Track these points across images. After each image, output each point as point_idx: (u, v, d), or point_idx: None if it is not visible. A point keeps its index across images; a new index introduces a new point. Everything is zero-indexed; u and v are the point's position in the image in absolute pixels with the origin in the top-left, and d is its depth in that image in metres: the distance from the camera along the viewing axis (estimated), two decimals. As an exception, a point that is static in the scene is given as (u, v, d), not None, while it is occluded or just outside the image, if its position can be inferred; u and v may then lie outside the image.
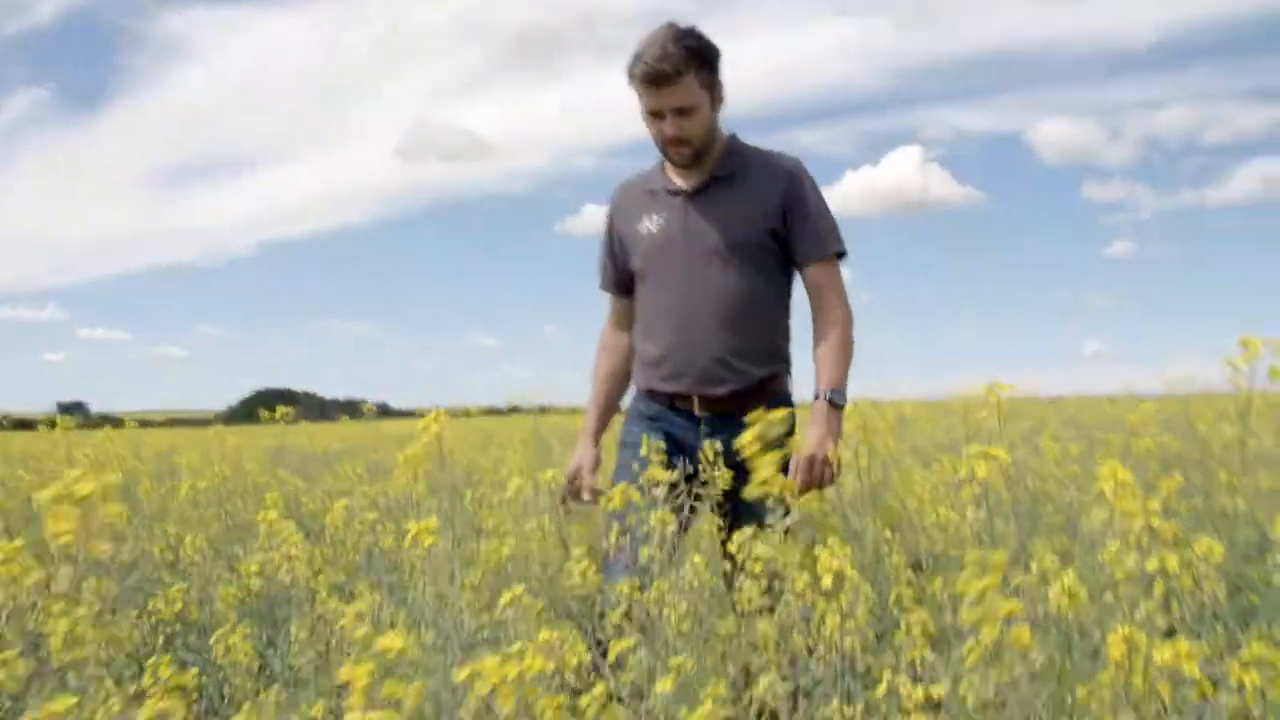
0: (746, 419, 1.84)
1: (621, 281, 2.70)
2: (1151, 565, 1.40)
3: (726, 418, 2.38)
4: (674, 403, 2.53)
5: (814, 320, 2.53)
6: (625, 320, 2.72)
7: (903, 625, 1.74)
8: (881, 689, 1.61)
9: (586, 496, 2.60)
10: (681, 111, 2.41)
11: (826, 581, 1.63)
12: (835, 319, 2.49)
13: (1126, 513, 1.42)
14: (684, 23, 2.43)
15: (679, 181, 2.56)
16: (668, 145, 2.48)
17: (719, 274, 2.47)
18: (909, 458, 5.13)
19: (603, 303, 2.85)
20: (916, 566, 2.60)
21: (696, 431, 2.45)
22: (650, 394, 2.59)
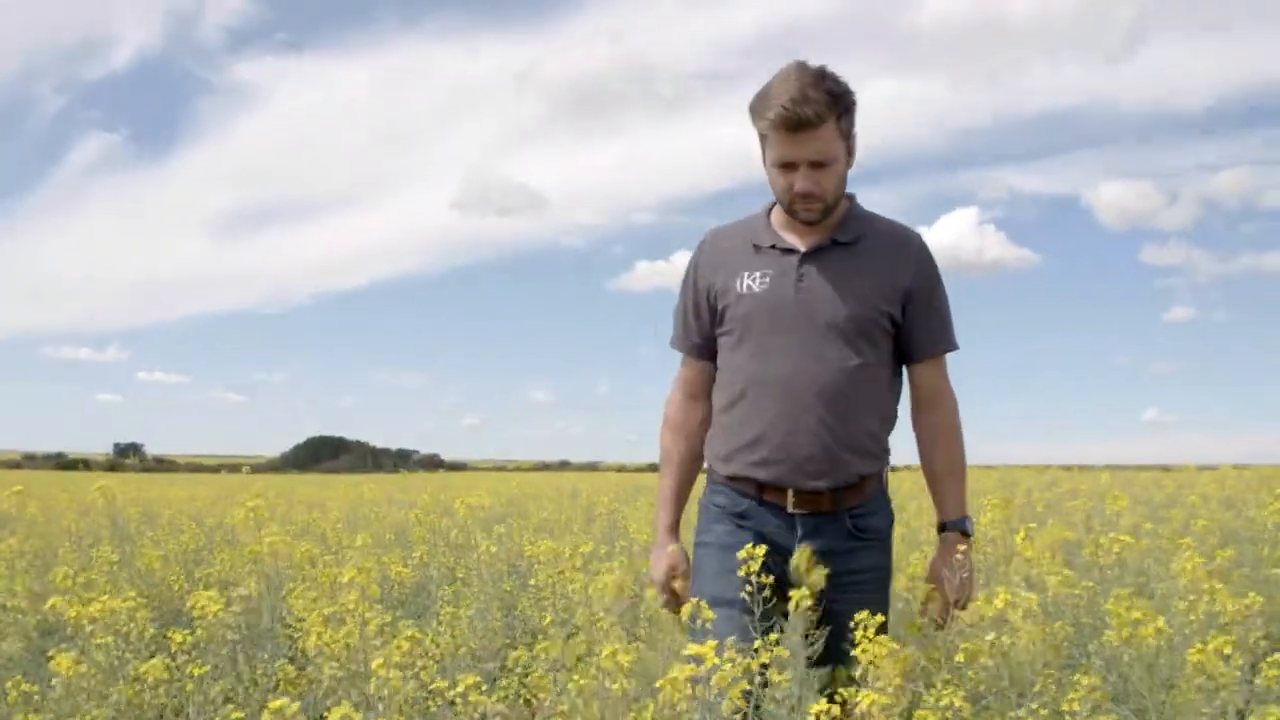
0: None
1: (704, 343, 2.35)
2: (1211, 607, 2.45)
3: (822, 516, 2.15)
4: (763, 494, 2.19)
5: (920, 422, 2.29)
6: (700, 389, 2.37)
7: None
8: None
9: (687, 600, 2.13)
10: (818, 165, 2.12)
11: None
12: (951, 426, 2.28)
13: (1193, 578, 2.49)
14: (814, 63, 2.13)
15: (792, 239, 2.25)
16: (795, 201, 2.17)
17: (834, 350, 2.16)
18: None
19: (660, 363, 2.46)
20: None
21: (790, 531, 2.16)
22: (733, 481, 2.24)
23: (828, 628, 1.93)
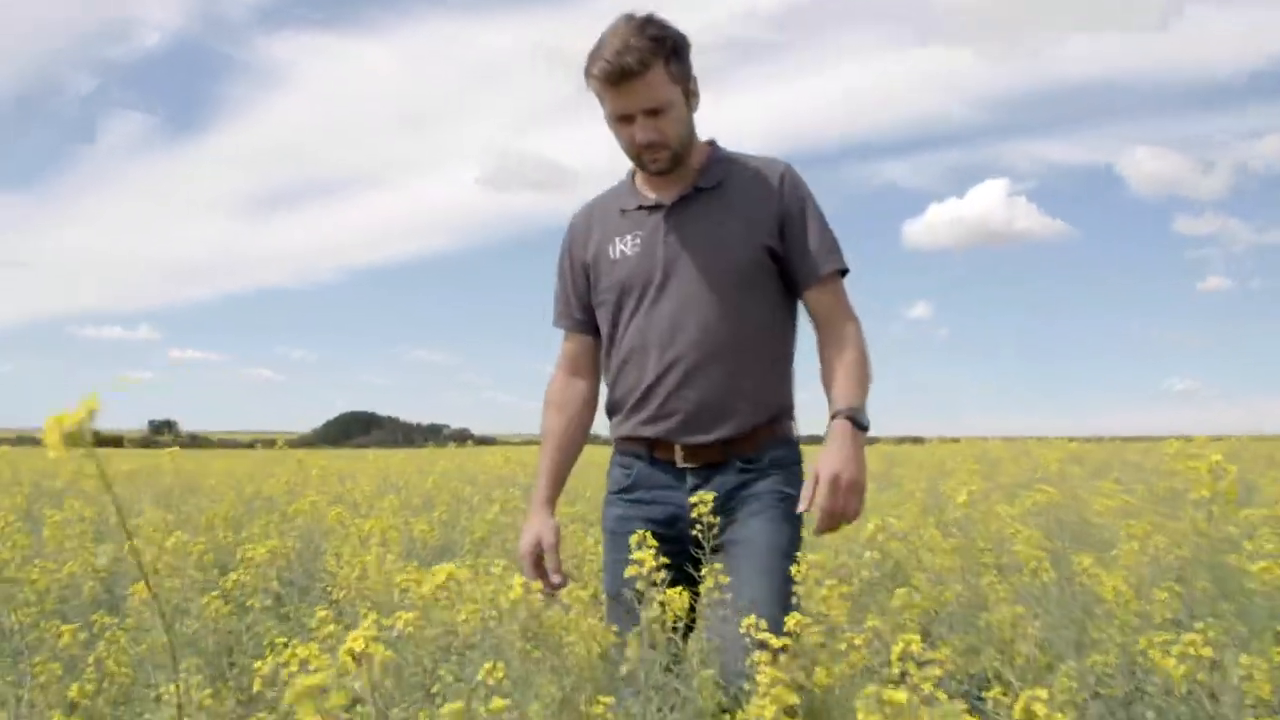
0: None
1: (582, 318, 2.34)
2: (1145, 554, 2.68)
3: (715, 467, 2.13)
4: (653, 452, 2.19)
5: (820, 344, 2.17)
6: (583, 364, 2.36)
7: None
8: None
9: (556, 579, 2.18)
10: (653, 112, 2.08)
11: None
12: (847, 336, 2.14)
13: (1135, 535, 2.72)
14: (641, 11, 2.09)
15: (654, 195, 2.22)
16: (641, 153, 2.14)
17: (709, 300, 2.12)
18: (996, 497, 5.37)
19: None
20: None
21: (679, 487, 2.15)
22: (625, 443, 2.24)
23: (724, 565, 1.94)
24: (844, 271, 2.19)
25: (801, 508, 1.96)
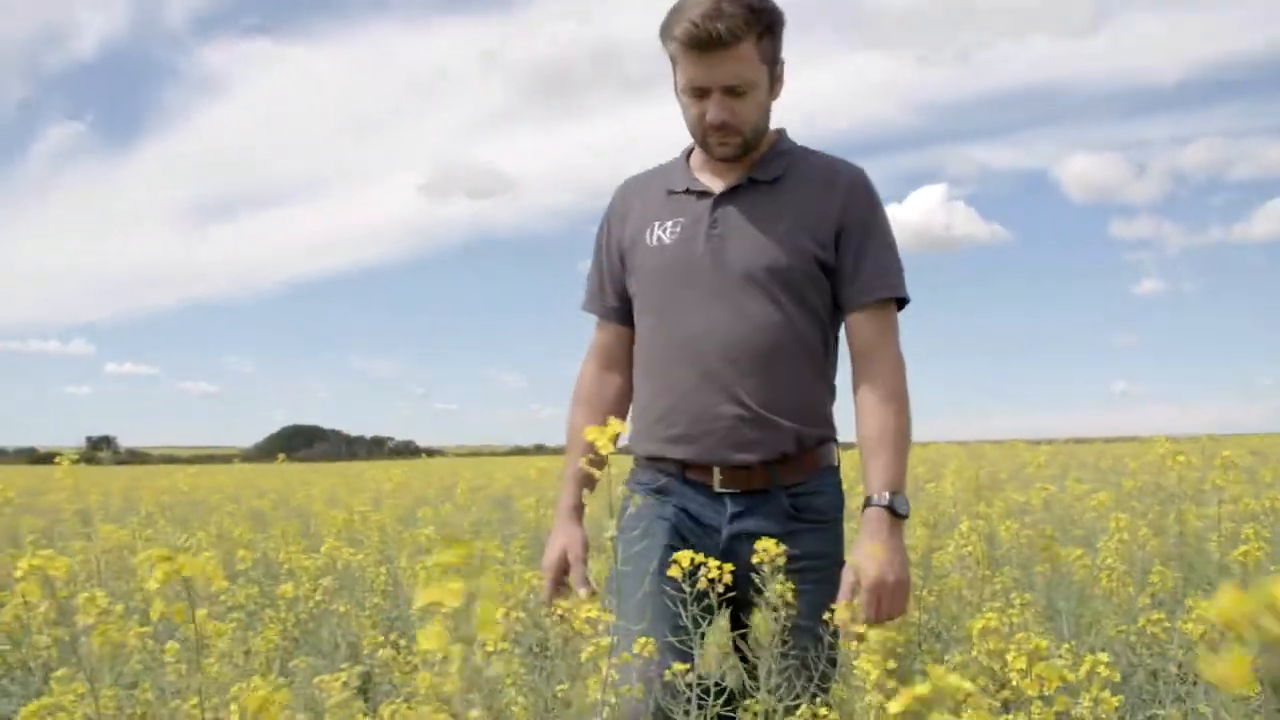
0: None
1: (617, 305, 2.08)
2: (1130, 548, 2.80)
3: (756, 495, 1.88)
4: (685, 474, 1.93)
5: (855, 382, 1.93)
6: (617, 356, 2.09)
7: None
8: None
9: (583, 592, 1.92)
10: (734, 91, 1.83)
11: None
12: (889, 388, 1.89)
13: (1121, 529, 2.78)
14: None
15: (708, 180, 1.98)
16: (709, 133, 1.89)
17: (753, 304, 1.88)
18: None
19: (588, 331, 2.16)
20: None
21: (717, 510, 1.90)
22: (653, 461, 1.99)
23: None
24: (902, 302, 1.95)
25: (838, 614, 1.71)
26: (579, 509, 2.02)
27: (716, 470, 1.88)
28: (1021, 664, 1.36)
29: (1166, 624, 2.11)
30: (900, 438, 1.86)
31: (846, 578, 1.77)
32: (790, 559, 1.67)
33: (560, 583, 1.97)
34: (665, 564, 1.72)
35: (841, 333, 1.99)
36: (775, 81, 1.91)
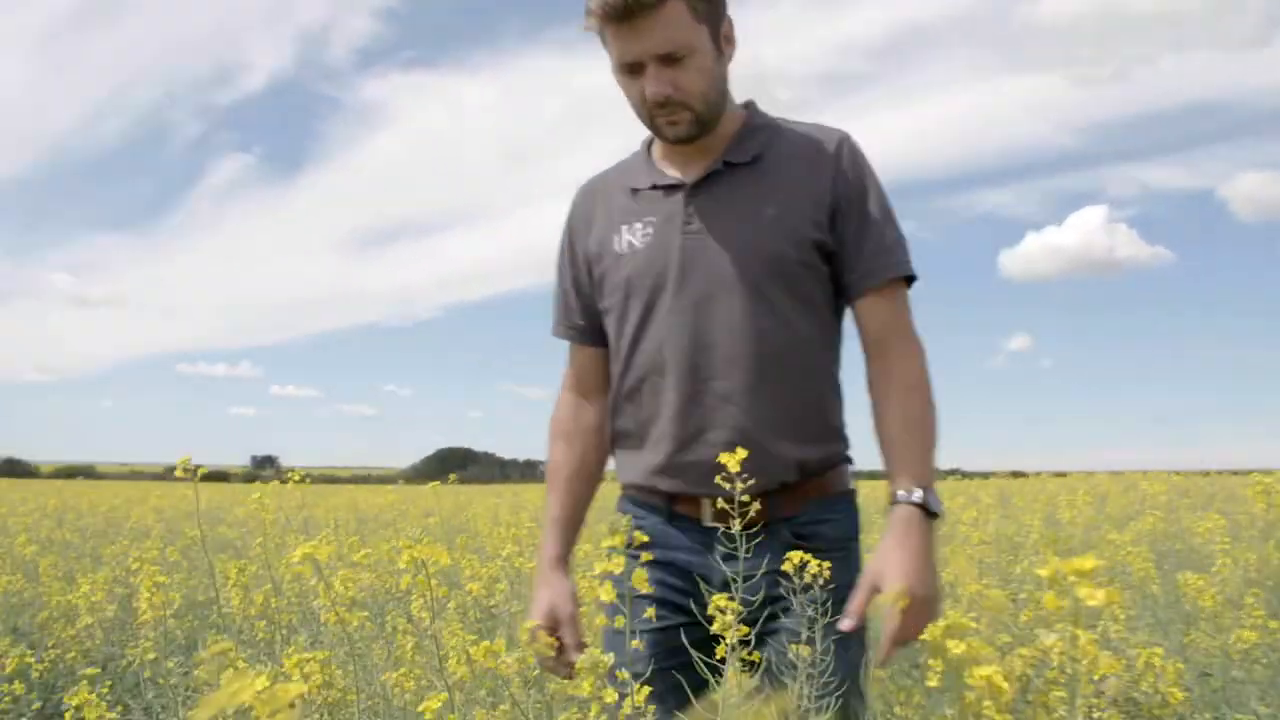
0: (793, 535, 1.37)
1: (587, 324, 1.86)
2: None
3: (755, 532, 1.45)
4: (673, 506, 1.71)
5: (871, 375, 1.67)
6: (592, 383, 1.87)
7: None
8: None
9: (575, 657, 1.57)
10: (669, 59, 1.59)
11: None
12: (907, 369, 1.65)
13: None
14: None
15: (674, 171, 1.74)
16: (654, 113, 1.65)
17: (740, 308, 1.64)
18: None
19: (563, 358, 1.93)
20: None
21: (704, 552, 1.65)
22: (636, 490, 1.77)
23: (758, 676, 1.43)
24: (911, 280, 1.70)
25: (846, 625, 1.47)
26: (563, 559, 1.82)
27: (706, 503, 1.66)
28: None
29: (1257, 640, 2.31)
30: (927, 429, 1.62)
31: (863, 583, 1.50)
32: (795, 610, 1.45)
33: (550, 644, 1.70)
34: (664, 650, 1.61)
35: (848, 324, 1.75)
36: (724, 44, 1.66)
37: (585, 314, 1.86)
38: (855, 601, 1.48)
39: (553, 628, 1.71)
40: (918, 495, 1.54)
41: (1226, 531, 4.07)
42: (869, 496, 1.85)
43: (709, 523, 1.64)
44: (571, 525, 1.85)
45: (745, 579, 1.39)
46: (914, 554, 1.49)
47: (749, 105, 1.78)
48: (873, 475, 1.95)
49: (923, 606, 1.45)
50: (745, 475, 1.44)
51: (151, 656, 2.36)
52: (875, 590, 1.47)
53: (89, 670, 2.32)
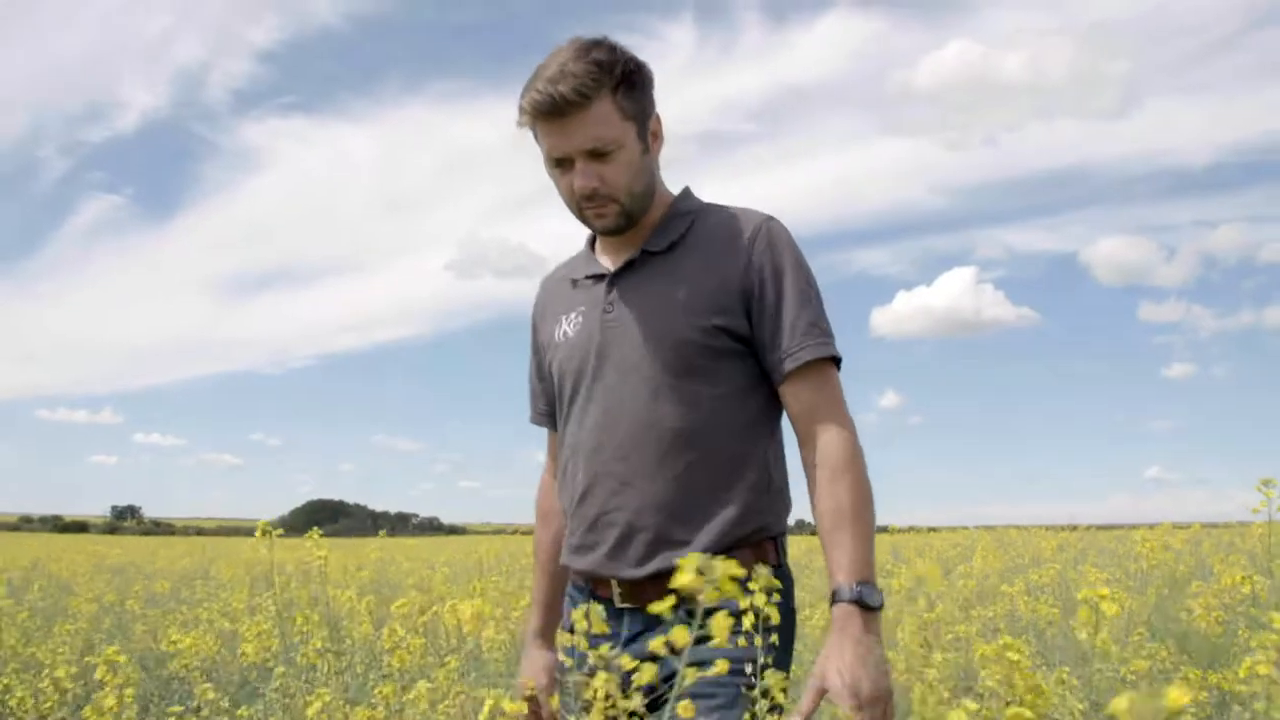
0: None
1: (550, 410, 1.92)
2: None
3: (652, 615, 1.28)
4: (593, 587, 1.72)
5: (804, 460, 1.65)
6: None
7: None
8: None
9: None
10: (595, 154, 1.64)
11: None
12: (837, 462, 1.60)
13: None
14: (594, 34, 1.68)
15: (606, 261, 1.80)
16: (582, 205, 1.69)
17: (645, 394, 1.66)
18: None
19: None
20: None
21: (615, 635, 1.63)
22: (573, 574, 1.80)
23: None
24: (836, 361, 1.68)
25: None
26: (542, 633, 1.90)
27: (615, 583, 1.65)
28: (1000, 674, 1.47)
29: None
30: (857, 517, 1.57)
31: (812, 685, 1.47)
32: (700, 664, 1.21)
33: (533, 713, 1.78)
34: None
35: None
36: (651, 139, 1.71)
37: (548, 400, 1.91)
38: (804, 703, 1.45)
39: (529, 699, 1.80)
40: (853, 591, 1.50)
41: (1107, 582, 4.36)
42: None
43: (619, 604, 1.65)
44: (552, 601, 1.92)
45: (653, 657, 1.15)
46: (855, 654, 1.46)
47: (684, 193, 1.81)
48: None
49: (873, 705, 1.43)
50: (643, 558, 1.57)
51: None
52: (822, 691, 1.46)
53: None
